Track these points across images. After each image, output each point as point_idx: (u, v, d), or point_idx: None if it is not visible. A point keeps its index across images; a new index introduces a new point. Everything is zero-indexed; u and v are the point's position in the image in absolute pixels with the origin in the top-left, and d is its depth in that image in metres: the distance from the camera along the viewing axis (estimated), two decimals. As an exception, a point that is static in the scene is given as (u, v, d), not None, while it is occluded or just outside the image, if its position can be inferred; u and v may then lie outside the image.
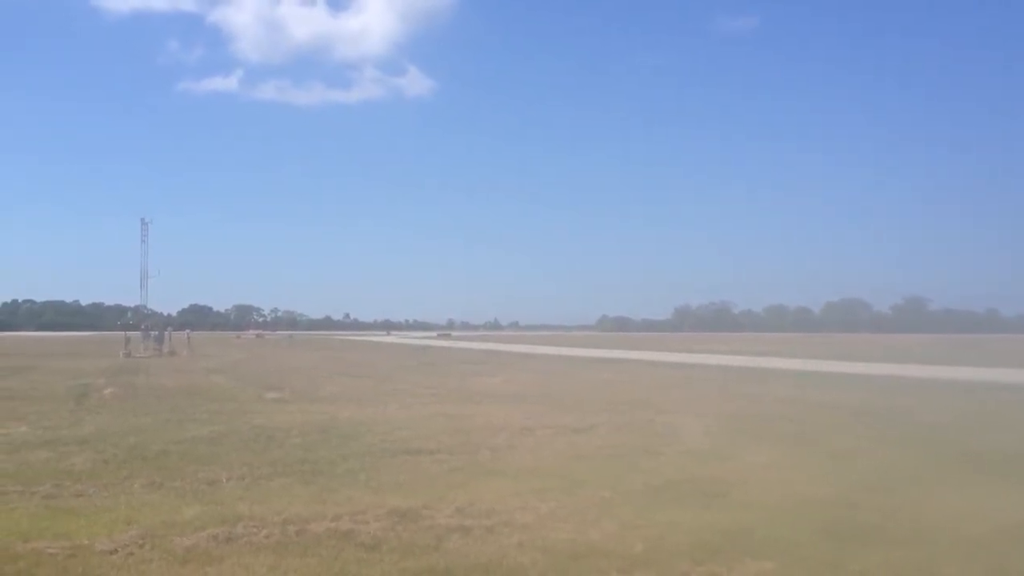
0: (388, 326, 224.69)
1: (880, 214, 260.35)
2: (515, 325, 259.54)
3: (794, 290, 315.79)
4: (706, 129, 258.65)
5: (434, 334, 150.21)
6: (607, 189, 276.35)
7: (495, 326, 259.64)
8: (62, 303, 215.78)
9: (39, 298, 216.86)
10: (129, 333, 54.87)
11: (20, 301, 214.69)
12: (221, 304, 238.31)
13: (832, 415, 16.82)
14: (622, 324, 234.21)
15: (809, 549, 7.10)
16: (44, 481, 9.75)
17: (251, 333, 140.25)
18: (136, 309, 69.76)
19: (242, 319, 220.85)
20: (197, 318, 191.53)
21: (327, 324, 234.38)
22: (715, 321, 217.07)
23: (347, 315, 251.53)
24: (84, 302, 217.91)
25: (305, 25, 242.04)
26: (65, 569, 6.55)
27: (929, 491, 9.48)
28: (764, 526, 7.74)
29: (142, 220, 61.74)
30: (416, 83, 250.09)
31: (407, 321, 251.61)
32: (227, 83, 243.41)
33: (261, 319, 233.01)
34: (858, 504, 8.70)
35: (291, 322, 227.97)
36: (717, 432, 14.20)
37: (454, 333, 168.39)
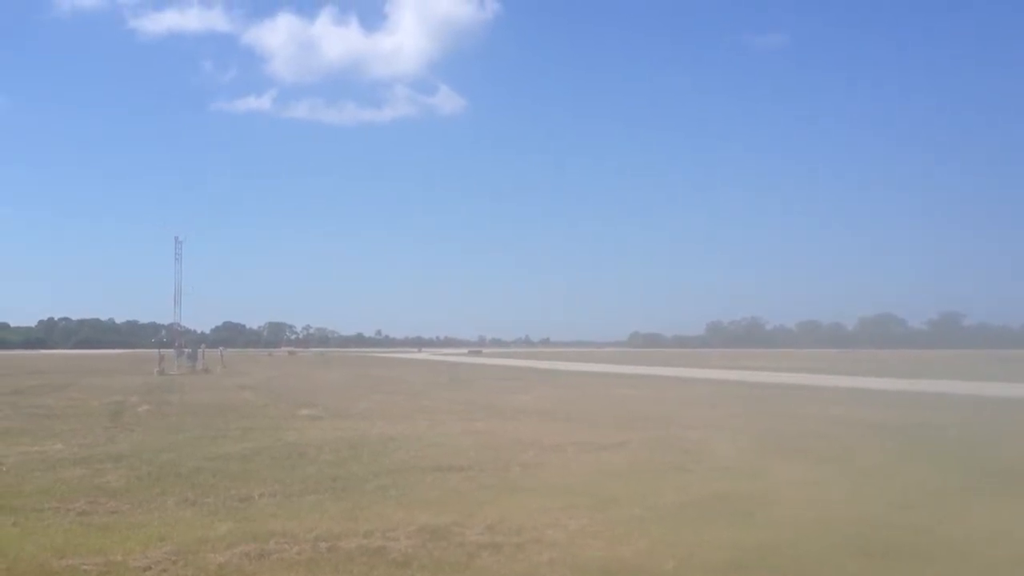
0: (420, 343, 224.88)
1: (914, 228, 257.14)
2: (546, 341, 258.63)
3: (827, 305, 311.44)
4: (738, 145, 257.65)
5: (465, 351, 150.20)
6: (638, 205, 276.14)
7: (526, 343, 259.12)
8: (97, 321, 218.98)
9: (75, 316, 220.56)
10: (163, 351, 55.54)
11: (56, 319, 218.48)
12: (254, 322, 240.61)
13: (862, 432, 16.52)
14: (654, 340, 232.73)
15: (838, 567, 7.01)
16: (79, 498, 9.89)
17: (283, 350, 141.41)
18: (170, 327, 70.89)
19: (275, 336, 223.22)
20: (230, 335, 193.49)
21: (359, 341, 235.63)
22: (747, 337, 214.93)
23: (379, 332, 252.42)
24: (119, 320, 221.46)
25: (338, 45, 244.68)
26: (100, 585, 6.62)
27: (960, 509, 9.32)
28: (794, 544, 7.64)
29: (176, 238, 63.03)
30: (448, 101, 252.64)
31: (438, 338, 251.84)
32: (260, 102, 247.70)
33: (293, 336, 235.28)
34: (887, 521, 8.56)
35: (323, 339, 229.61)
36: (747, 449, 14.04)
37: (485, 350, 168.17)
